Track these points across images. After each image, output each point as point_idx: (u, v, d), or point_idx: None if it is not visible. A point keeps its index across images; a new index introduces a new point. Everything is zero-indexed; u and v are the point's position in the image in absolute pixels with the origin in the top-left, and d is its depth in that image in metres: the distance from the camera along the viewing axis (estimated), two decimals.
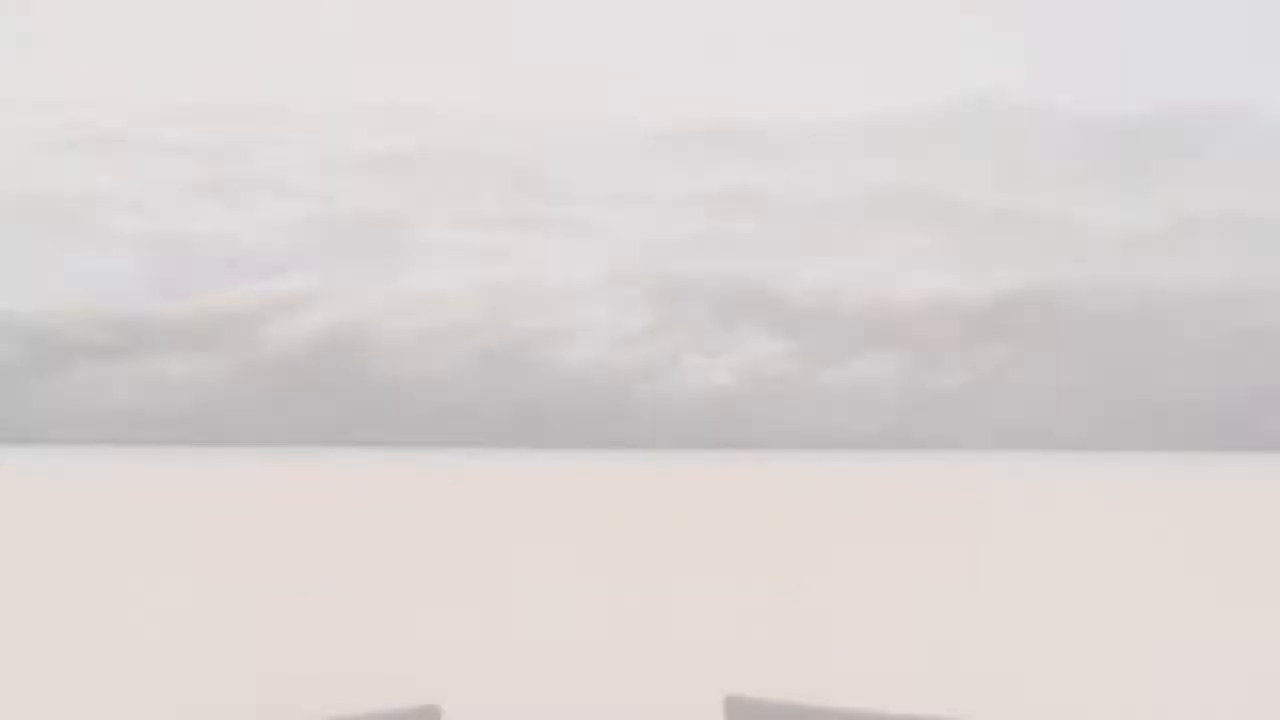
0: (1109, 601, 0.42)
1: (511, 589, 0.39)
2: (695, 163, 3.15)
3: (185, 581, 0.39)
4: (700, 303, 2.72)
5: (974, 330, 2.10)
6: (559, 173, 3.14)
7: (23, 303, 2.29)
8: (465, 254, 2.45)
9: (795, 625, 0.40)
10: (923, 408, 2.04)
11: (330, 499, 0.54)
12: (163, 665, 0.43)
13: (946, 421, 1.89)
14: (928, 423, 1.87)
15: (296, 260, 2.67)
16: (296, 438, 2.33)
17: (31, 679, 0.43)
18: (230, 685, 0.42)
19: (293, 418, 2.25)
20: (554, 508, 0.49)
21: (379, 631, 0.41)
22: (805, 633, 0.41)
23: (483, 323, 2.06)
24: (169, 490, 0.65)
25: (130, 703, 0.39)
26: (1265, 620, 0.42)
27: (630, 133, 3.42)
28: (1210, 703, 0.42)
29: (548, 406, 1.97)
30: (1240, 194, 3.17)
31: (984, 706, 0.41)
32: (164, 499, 0.55)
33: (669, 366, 2.13)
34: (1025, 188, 3.06)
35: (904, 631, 0.41)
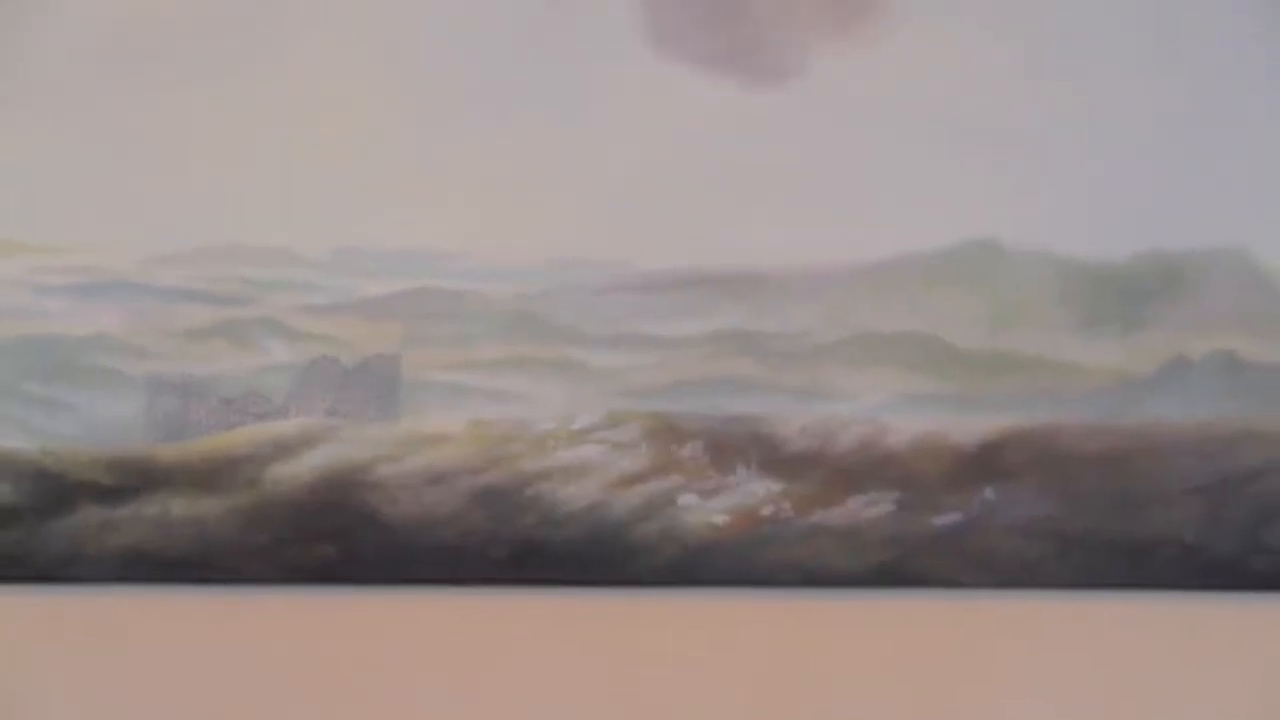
0: None
1: None
2: (693, 306, 3.79)
3: (191, 715, 0.40)
4: (698, 444, 3.41)
5: (966, 470, 2.61)
6: (557, 315, 3.86)
7: (27, 443, 2.87)
8: (464, 395, 3.15)
9: None
10: (916, 545, 2.51)
11: (332, 636, 0.54)
12: None
13: (939, 559, 2.32)
14: (921, 560, 2.31)
15: (297, 402, 3.44)
16: (297, 576, 2.95)
17: None
18: None
19: (293, 556, 2.83)
20: (555, 643, 0.49)
21: None
22: None
23: (482, 463, 2.63)
24: (172, 627, 0.67)
25: None
26: None
27: (628, 275, 4.23)
28: None
29: (548, 544, 2.43)
30: (1233, 337, 3.72)
31: None
32: (167, 636, 0.56)
33: (666, 506, 2.62)
34: (1019, 331, 3.66)
35: None
